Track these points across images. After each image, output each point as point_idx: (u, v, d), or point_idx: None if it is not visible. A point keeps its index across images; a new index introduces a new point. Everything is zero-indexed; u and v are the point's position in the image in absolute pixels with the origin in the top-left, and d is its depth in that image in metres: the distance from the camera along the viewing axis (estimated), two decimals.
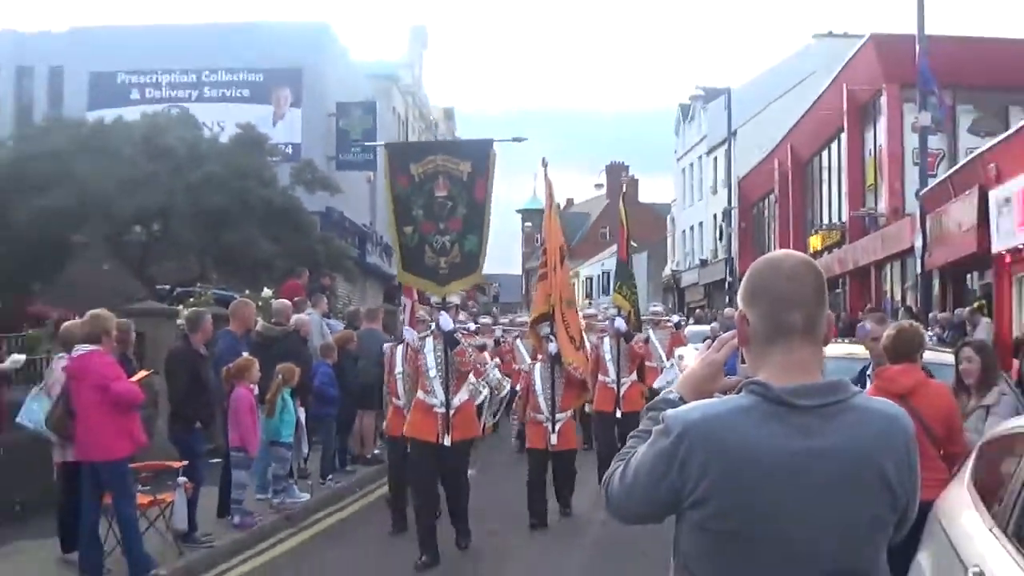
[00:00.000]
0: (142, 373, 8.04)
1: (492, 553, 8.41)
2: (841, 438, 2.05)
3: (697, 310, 39.01)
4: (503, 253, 73.00)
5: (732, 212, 36.80)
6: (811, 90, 30.88)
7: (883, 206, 24.08)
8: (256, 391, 9.01)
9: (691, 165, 47.80)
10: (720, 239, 40.07)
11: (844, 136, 26.96)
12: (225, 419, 8.90)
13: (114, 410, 6.98)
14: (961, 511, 4.31)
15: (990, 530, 3.87)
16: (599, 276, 61.08)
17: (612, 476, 2.25)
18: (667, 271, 51.93)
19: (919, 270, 19.62)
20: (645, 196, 67.10)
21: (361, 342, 12.01)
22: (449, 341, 7.84)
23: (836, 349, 7.65)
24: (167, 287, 20.11)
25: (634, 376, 10.90)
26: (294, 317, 11.22)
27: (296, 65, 31.05)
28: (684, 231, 49.45)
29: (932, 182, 19.31)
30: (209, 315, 9.30)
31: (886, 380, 5.53)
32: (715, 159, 42.02)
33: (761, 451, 2.02)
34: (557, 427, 9.21)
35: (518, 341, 15.15)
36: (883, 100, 23.97)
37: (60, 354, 8.06)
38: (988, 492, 4.24)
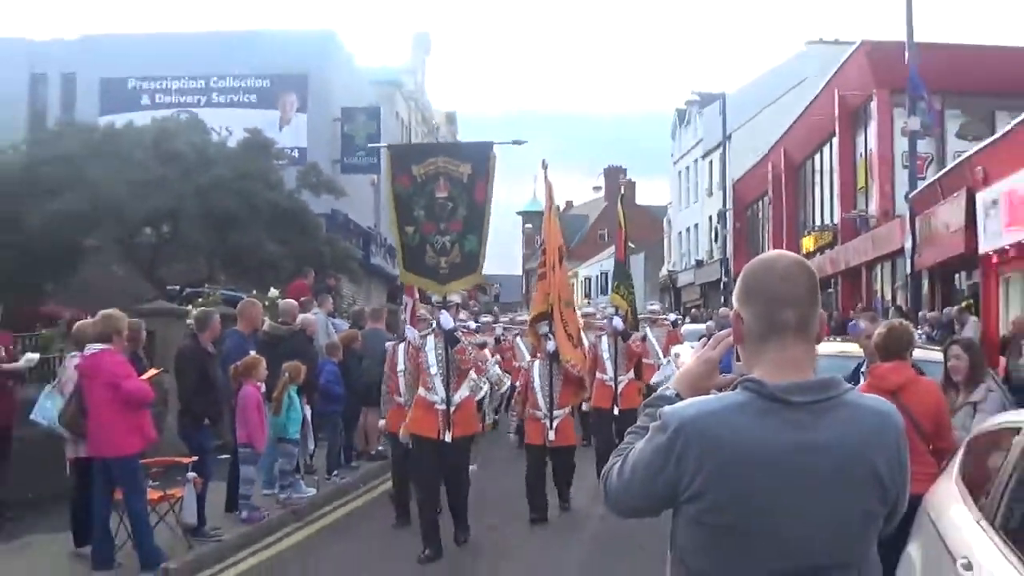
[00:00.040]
0: (152, 371, 8.06)
1: (492, 547, 8.41)
2: (833, 434, 2.05)
3: (693, 309, 39.02)
4: (503, 254, 72.96)
5: (727, 214, 36.79)
6: (804, 95, 30.91)
7: (874, 208, 24.09)
8: (263, 389, 9.02)
9: (687, 168, 47.81)
10: (715, 240, 40.08)
11: (836, 140, 26.97)
12: (233, 416, 8.90)
13: (125, 407, 7.00)
14: (950, 504, 4.31)
15: (977, 522, 3.87)
16: (597, 277, 61.05)
17: (610, 471, 2.25)
18: (664, 271, 51.92)
19: (909, 270, 19.62)
20: (642, 198, 67.02)
21: (365, 341, 12.01)
22: (450, 339, 7.83)
23: (828, 347, 7.64)
24: (176, 288, 20.11)
25: (631, 374, 10.89)
26: (300, 317, 11.22)
27: (302, 71, 31.07)
28: (680, 232, 49.45)
29: (921, 185, 19.32)
30: (217, 315, 9.30)
31: (877, 377, 5.54)
32: (710, 162, 42.03)
33: (755, 446, 2.02)
34: (555, 423, 9.22)
35: (518, 339, 15.15)
36: (874, 105, 23.98)
37: (73, 353, 8.08)
38: (976, 486, 4.24)
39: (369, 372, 11.50)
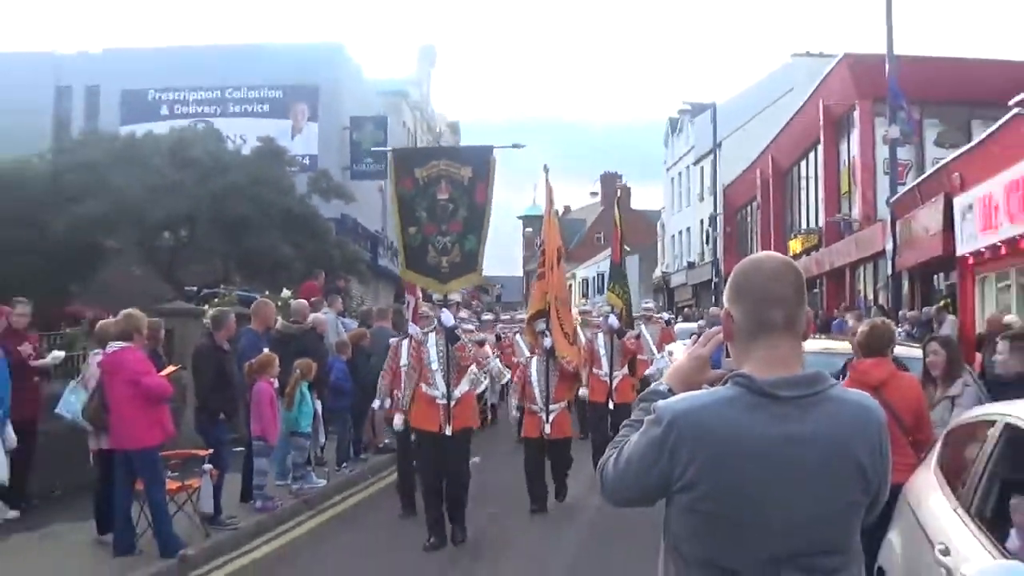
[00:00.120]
0: (170, 368, 8.06)
1: (494, 535, 8.40)
2: (819, 426, 2.05)
3: (685, 309, 39.00)
4: (504, 256, 73.00)
5: (717, 218, 36.79)
6: (790, 105, 30.89)
7: (857, 212, 24.08)
8: (276, 385, 9.02)
9: (679, 174, 47.80)
10: (706, 243, 40.08)
11: (821, 148, 26.97)
12: (247, 411, 8.90)
13: (145, 402, 7.00)
14: (928, 493, 4.31)
15: (955, 510, 3.88)
16: (594, 278, 61.00)
17: (606, 463, 2.25)
18: (657, 273, 51.90)
19: (890, 271, 19.63)
20: (637, 203, 67.04)
21: (373, 339, 11.99)
22: (450, 337, 7.81)
23: (814, 344, 7.62)
24: (193, 288, 20.09)
25: (626, 370, 10.89)
26: (311, 316, 11.21)
27: (313, 82, 31.11)
28: (673, 235, 49.43)
29: (901, 190, 19.32)
30: (232, 314, 9.30)
31: (860, 373, 5.55)
32: (701, 169, 42.01)
33: (745, 438, 2.02)
34: (551, 417, 9.20)
35: (517, 336, 15.14)
36: (856, 114, 23.98)
37: (95, 350, 8.07)
38: (953, 476, 4.24)
39: (377, 369, 11.46)
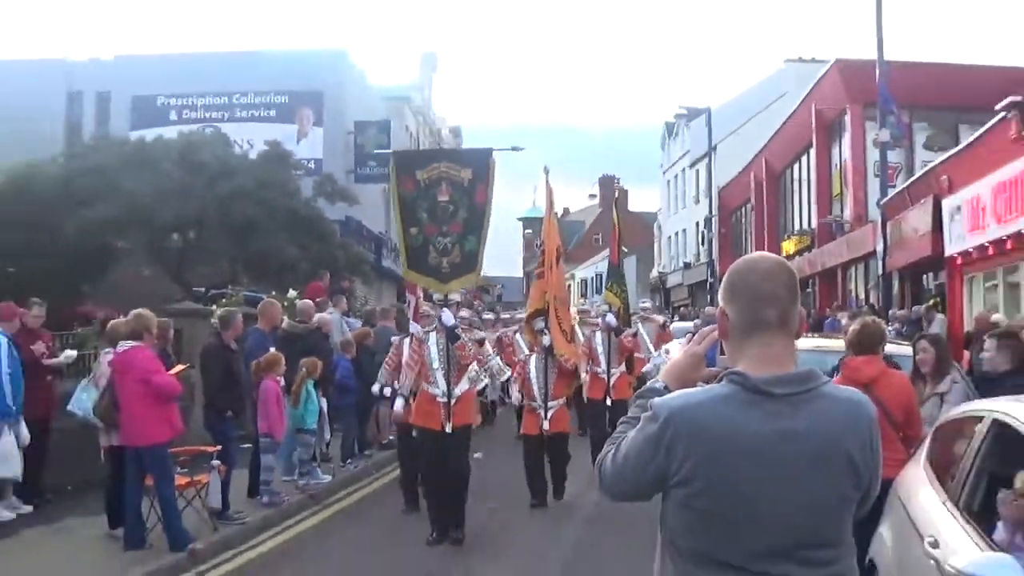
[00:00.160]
0: (179, 367, 8.06)
1: (494, 530, 8.38)
2: (812, 423, 2.05)
3: (681, 308, 38.97)
4: (505, 258, 72.96)
5: (713, 219, 36.79)
6: (783, 109, 30.87)
7: (848, 214, 24.07)
8: (282, 383, 9.01)
9: (675, 177, 47.78)
10: (702, 244, 40.08)
11: (813, 151, 26.96)
12: (255, 408, 8.90)
13: (155, 400, 7.00)
14: (918, 488, 4.31)
15: (943, 504, 3.88)
16: (592, 278, 60.96)
17: (604, 458, 2.25)
18: (654, 273, 51.88)
19: (880, 271, 19.63)
20: (634, 205, 67.02)
21: (377, 338, 11.98)
22: (450, 336, 7.78)
23: (806, 342, 7.64)
24: (202, 289, 20.12)
25: (623, 367, 10.88)
26: (317, 316, 11.22)
27: (318, 88, 31.12)
28: (669, 237, 49.41)
29: (891, 192, 19.31)
30: (240, 314, 9.30)
31: (851, 370, 5.54)
32: (697, 171, 42.00)
33: (739, 435, 2.02)
34: (549, 414, 9.17)
35: (517, 335, 15.13)
36: (847, 119, 23.98)
37: (106, 349, 8.08)
38: (942, 470, 4.24)
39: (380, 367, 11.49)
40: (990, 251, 13.74)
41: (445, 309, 7.95)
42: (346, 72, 33.13)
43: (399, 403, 8.44)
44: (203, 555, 7.18)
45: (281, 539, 8.12)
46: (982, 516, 3.59)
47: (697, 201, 42.14)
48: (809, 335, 10.38)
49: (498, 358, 9.13)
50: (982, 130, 14.69)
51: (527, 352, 9.97)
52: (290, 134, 29.89)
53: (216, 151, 21.86)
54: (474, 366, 8.16)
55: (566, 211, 79.07)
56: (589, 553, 7.60)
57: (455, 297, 8.65)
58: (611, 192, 54.15)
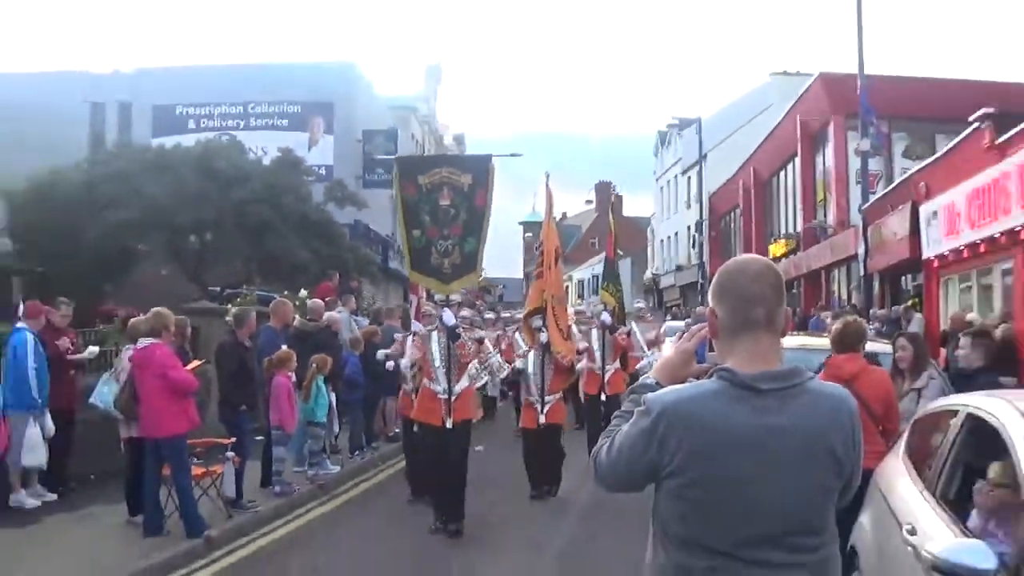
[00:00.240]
0: (196, 363, 8.05)
1: (494, 520, 8.34)
2: (797, 417, 2.05)
3: (673, 308, 38.94)
4: (506, 260, 72.89)
5: (703, 224, 36.77)
6: (770, 120, 30.85)
7: (831, 219, 24.05)
8: (294, 378, 9.01)
9: (668, 183, 47.76)
10: (693, 247, 40.03)
11: (798, 159, 26.94)
12: (267, 402, 8.90)
13: (173, 394, 7.00)
14: (897, 478, 4.30)
15: (920, 493, 3.88)
16: (589, 279, 60.90)
17: (599, 451, 2.24)
18: (648, 275, 51.84)
19: (862, 273, 19.62)
20: (629, 210, 66.66)
21: (384, 336, 11.97)
22: (451, 335, 7.73)
23: (792, 341, 7.63)
24: (217, 289, 20.09)
25: (617, 364, 10.86)
26: (326, 314, 11.20)
27: (328, 98, 31.11)
28: (662, 240, 49.39)
29: (872, 198, 19.31)
30: (253, 313, 9.30)
31: (834, 367, 5.54)
32: (688, 178, 41.97)
33: (729, 428, 2.02)
34: (546, 408, 9.12)
35: (516, 334, 15.10)
36: (830, 129, 23.94)
37: (127, 346, 8.08)
38: (919, 462, 4.24)
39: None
40: (965, 254, 13.73)
41: (446, 309, 7.92)
42: (355, 83, 33.14)
43: (405, 362, 8.32)
44: (218, 542, 7.18)
45: (292, 527, 8.12)
46: (957, 505, 3.59)
47: (688, 206, 42.11)
48: (795, 334, 10.38)
49: (498, 355, 9.09)
50: (957, 140, 14.69)
51: (524, 348, 9.92)
52: (302, 142, 29.87)
53: (232, 158, 21.84)
54: (475, 364, 8.13)
55: (564, 215, 79.00)
56: (585, 543, 7.57)
57: (456, 297, 8.62)
58: (607, 198, 54.03)
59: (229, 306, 13.41)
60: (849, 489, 2.17)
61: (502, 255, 67.13)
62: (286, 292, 15.73)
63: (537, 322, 9.20)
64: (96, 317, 13.96)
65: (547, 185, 9.53)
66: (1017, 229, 11.62)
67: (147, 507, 7.18)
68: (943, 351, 11.36)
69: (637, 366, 11.99)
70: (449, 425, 7.71)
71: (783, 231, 29.71)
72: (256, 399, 8.80)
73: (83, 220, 19.16)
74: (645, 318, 14.22)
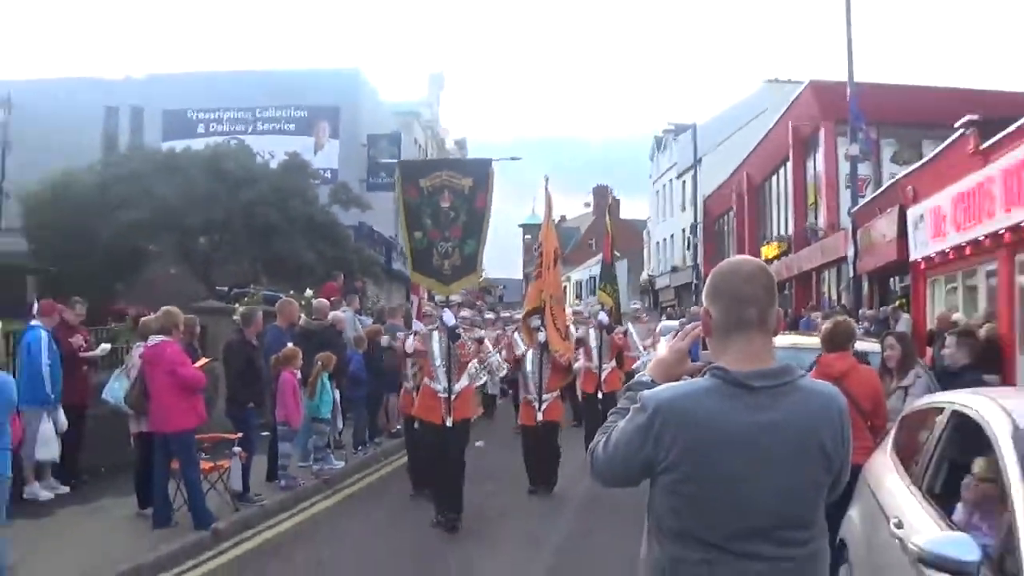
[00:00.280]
0: (204, 360, 8.05)
1: (492, 514, 8.33)
2: (788, 413, 2.05)
3: (668, 308, 38.93)
4: (506, 261, 72.82)
5: (698, 227, 36.80)
6: (762, 126, 30.86)
7: (822, 222, 24.05)
8: (299, 375, 9.00)
9: (664, 187, 47.74)
10: (688, 249, 40.04)
11: (790, 164, 26.94)
12: (273, 399, 8.89)
13: (182, 390, 6.99)
14: (885, 473, 4.30)
15: (908, 488, 3.88)
16: (587, 280, 60.80)
17: (596, 447, 2.24)
18: (644, 276, 51.80)
19: (851, 274, 19.60)
20: (625, 213, 66.57)
21: (387, 334, 11.97)
22: (451, 335, 7.69)
23: (784, 340, 7.61)
24: (225, 288, 20.09)
25: (614, 363, 10.84)
26: (331, 314, 11.21)
27: (334, 104, 31.12)
28: (658, 242, 49.37)
29: (861, 202, 19.29)
30: (260, 312, 9.29)
31: (824, 365, 5.55)
32: (684, 182, 41.96)
33: (722, 425, 2.01)
34: (543, 405, 9.08)
35: (515, 334, 15.08)
36: (821, 135, 23.95)
37: (138, 343, 8.07)
38: (906, 457, 4.24)
39: (390, 361, 11.46)
40: (950, 256, 13.72)
41: (447, 310, 7.89)
42: (360, 89, 33.15)
43: (410, 342, 8.24)
44: (225, 534, 7.18)
45: (297, 520, 8.11)
46: (943, 499, 3.58)
47: (683, 209, 42.09)
48: (786, 333, 10.35)
49: (497, 355, 9.06)
50: (943, 145, 14.68)
51: (522, 347, 9.89)
52: (308, 146, 29.87)
53: (240, 161, 21.85)
54: (474, 363, 8.09)
55: (563, 218, 78.95)
56: (581, 537, 7.55)
57: (456, 298, 8.60)
58: (604, 201, 54.22)
59: (236, 305, 13.39)
60: (838, 484, 2.17)
61: (502, 256, 67.15)
62: (292, 292, 15.72)
63: (535, 322, 9.15)
64: (108, 315, 13.96)
65: (546, 188, 9.53)
66: (1001, 232, 11.61)
67: (156, 500, 7.17)
68: (929, 350, 11.35)
69: (633, 366, 11.98)
70: (449, 423, 7.67)
71: (775, 234, 29.71)
72: (262, 396, 8.80)
73: (96, 221, 19.18)
74: (641, 319, 14.19)
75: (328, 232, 21.62)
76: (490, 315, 19.07)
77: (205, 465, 7.57)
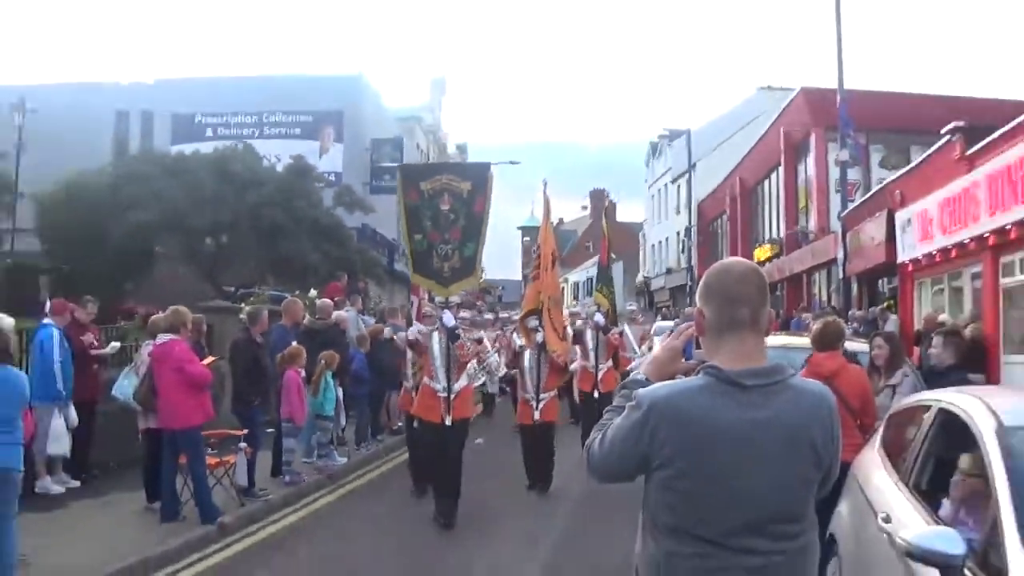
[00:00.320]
0: (211, 358, 8.03)
1: (491, 508, 8.32)
2: (779, 411, 2.04)
3: (663, 309, 38.94)
4: (505, 262, 72.89)
5: (692, 230, 36.79)
6: (755, 131, 30.87)
7: (812, 225, 24.06)
8: (303, 374, 8.99)
9: (659, 191, 47.74)
10: (682, 251, 40.03)
11: (781, 169, 26.95)
12: (278, 396, 8.88)
13: (189, 387, 6.98)
14: (873, 470, 4.30)
15: (895, 484, 3.88)
16: (584, 282, 60.86)
17: (592, 443, 2.23)
18: (640, 277, 51.79)
19: (841, 276, 19.60)
20: (622, 216, 66.60)
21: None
22: (451, 336, 7.65)
23: (775, 340, 7.60)
24: (232, 288, 20.10)
25: (610, 362, 10.82)
26: (335, 313, 11.20)
27: (338, 109, 31.16)
28: (653, 245, 49.36)
29: (851, 206, 19.29)
30: (265, 311, 9.28)
31: (814, 365, 5.54)
32: (678, 186, 41.95)
33: (715, 422, 2.01)
34: (541, 404, 9.02)
35: (514, 334, 15.06)
36: (812, 140, 23.96)
37: (147, 341, 8.07)
38: (894, 454, 4.24)
39: (391, 360, 11.45)
40: (937, 259, 13.74)
41: (446, 311, 7.84)
42: (364, 95, 33.19)
43: (412, 330, 8.23)
44: (231, 528, 7.17)
45: (301, 514, 8.11)
46: (930, 494, 3.58)
47: (678, 213, 42.09)
48: (778, 333, 10.35)
49: (496, 355, 9.03)
50: (930, 151, 14.70)
51: (520, 342, 9.84)
52: (313, 150, 29.93)
53: (247, 164, 21.86)
54: (473, 363, 8.03)
55: (561, 221, 78.88)
56: (578, 533, 7.53)
57: (455, 299, 8.57)
58: (601, 204, 54.26)
59: (243, 305, 13.40)
60: (828, 480, 2.16)
61: (501, 258, 67.19)
62: (297, 292, 15.75)
63: (533, 322, 9.12)
64: (117, 314, 13.97)
65: (545, 192, 9.52)
66: (985, 235, 11.62)
67: (164, 494, 7.16)
68: (917, 350, 11.36)
69: (629, 367, 11.96)
70: (448, 422, 7.63)
71: (767, 236, 29.72)
72: (268, 393, 8.78)
73: (107, 222, 19.19)
74: (637, 320, 14.19)
75: (332, 234, 21.62)
76: (489, 315, 19.06)
77: (212, 461, 7.56)
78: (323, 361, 9.38)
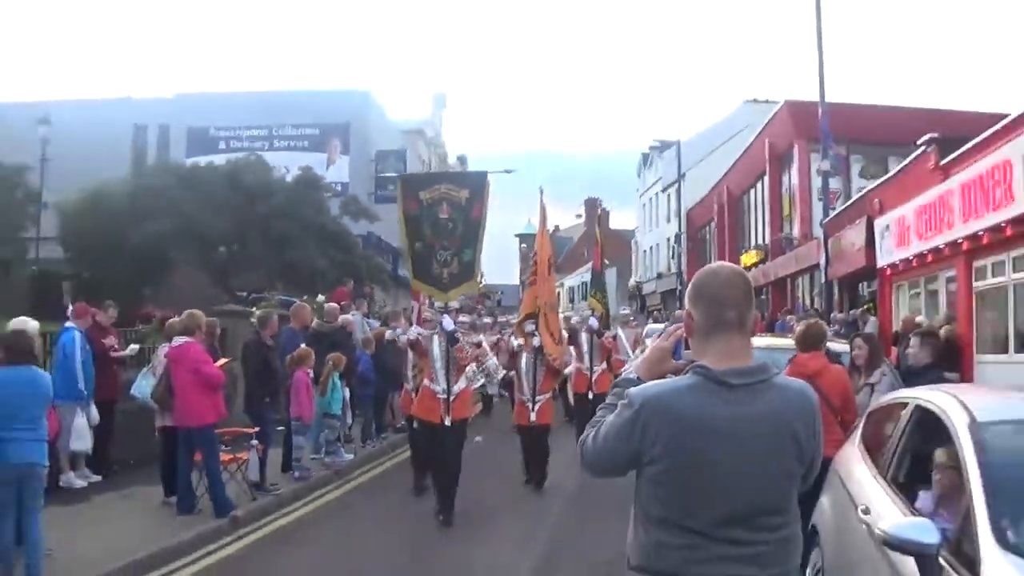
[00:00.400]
0: (224, 360, 8.04)
1: (489, 503, 8.29)
2: (764, 408, 2.05)
3: (655, 312, 38.91)
4: (503, 269, 72.82)
5: (681, 236, 36.81)
6: (741, 142, 30.88)
7: (796, 232, 24.09)
8: (312, 374, 8.99)
9: (650, 200, 47.76)
10: (672, 257, 40.02)
11: (766, 178, 26.99)
12: (288, 396, 8.88)
13: (204, 387, 6.99)
14: (853, 464, 4.31)
15: (874, 477, 3.88)
16: (579, 286, 60.80)
17: (586, 440, 2.24)
18: (632, 282, 51.74)
19: (823, 280, 19.63)
20: (615, 224, 66.51)
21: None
22: (450, 339, 7.60)
23: (760, 341, 7.59)
24: (243, 293, 20.09)
25: (604, 365, 10.78)
26: (341, 317, 11.20)
27: (345, 122, 31.19)
28: (645, 251, 49.37)
29: (832, 213, 19.34)
30: (275, 315, 9.30)
31: (798, 364, 5.55)
32: (668, 195, 41.94)
33: (704, 419, 2.02)
34: (536, 406, 8.94)
35: (512, 338, 15.01)
36: (795, 151, 24.00)
37: (163, 344, 8.07)
38: (873, 449, 4.25)
39: (395, 361, 11.43)
40: (914, 263, 13.78)
41: (445, 315, 7.80)
42: (369, 109, 33.22)
43: (412, 331, 8.15)
44: (243, 520, 7.17)
45: (310, 508, 8.11)
46: (907, 487, 3.59)
47: (668, 220, 42.07)
48: (763, 335, 10.37)
49: (494, 358, 8.99)
50: (906, 161, 14.74)
51: (517, 342, 9.80)
52: (321, 161, 29.94)
53: (258, 176, 21.87)
54: (472, 366, 7.98)
55: (557, 228, 78.71)
56: (573, 525, 7.51)
57: (454, 304, 8.55)
58: (595, 212, 53.90)
59: (254, 309, 13.40)
60: (810, 474, 2.17)
61: (500, 264, 67.18)
62: (305, 296, 15.74)
63: (530, 326, 9.06)
64: (136, 318, 13.95)
65: (541, 200, 9.49)
66: (959, 241, 11.66)
67: (180, 489, 7.17)
68: (895, 350, 11.37)
69: (622, 369, 11.91)
70: (447, 423, 7.58)
71: (753, 243, 29.73)
72: (278, 393, 8.79)
73: (126, 230, 19.19)
74: (629, 323, 14.18)
75: (339, 241, 21.63)
76: (488, 319, 19.04)
77: (225, 457, 7.56)
78: (330, 362, 9.39)
